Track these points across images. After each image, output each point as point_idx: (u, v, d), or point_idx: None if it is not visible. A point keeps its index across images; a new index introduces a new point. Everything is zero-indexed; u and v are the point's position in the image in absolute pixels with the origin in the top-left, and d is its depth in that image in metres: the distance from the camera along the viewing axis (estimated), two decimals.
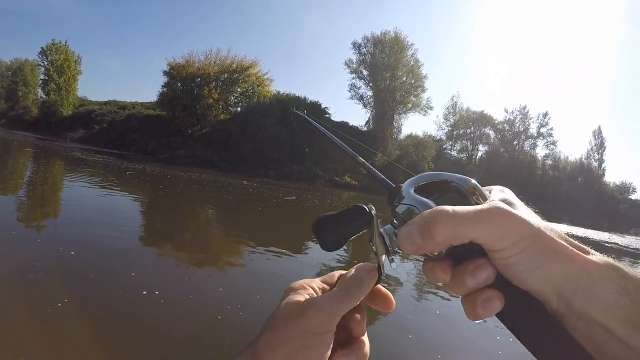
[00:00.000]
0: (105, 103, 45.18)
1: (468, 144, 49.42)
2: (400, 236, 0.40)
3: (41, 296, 3.77)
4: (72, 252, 5.08)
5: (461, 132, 48.95)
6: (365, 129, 40.73)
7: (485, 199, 0.42)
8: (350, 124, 40.54)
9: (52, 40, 45.82)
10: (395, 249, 0.43)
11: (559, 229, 0.40)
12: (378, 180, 0.54)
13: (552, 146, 47.41)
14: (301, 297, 0.47)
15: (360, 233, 0.44)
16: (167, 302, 4.06)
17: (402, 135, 42.74)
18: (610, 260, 0.37)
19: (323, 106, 37.49)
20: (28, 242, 5.42)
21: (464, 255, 0.39)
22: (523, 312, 0.37)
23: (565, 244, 0.37)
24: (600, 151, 46.98)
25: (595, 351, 0.36)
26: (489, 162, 46.91)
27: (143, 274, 4.85)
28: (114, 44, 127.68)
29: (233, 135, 31.73)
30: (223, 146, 31.60)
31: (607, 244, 22.13)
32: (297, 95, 37.63)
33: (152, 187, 14.18)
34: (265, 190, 18.37)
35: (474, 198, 0.42)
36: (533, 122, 47.17)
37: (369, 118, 42.62)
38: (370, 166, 0.60)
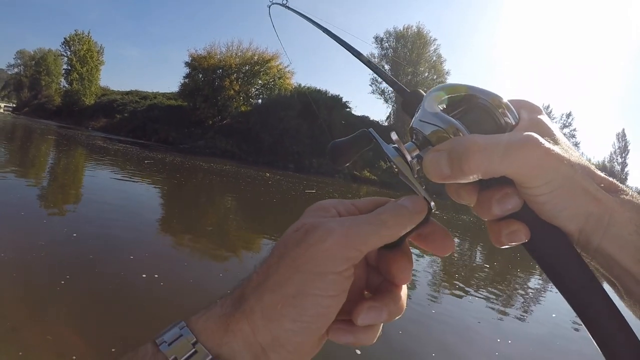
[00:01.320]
0: (127, 93, 45.30)
1: None
2: (426, 162, 0.36)
3: (43, 274, 3.84)
4: (75, 234, 4.98)
5: None
6: (386, 123, 39.87)
7: (515, 118, 0.39)
8: (371, 119, 39.74)
9: (75, 30, 46.25)
10: (417, 170, 0.40)
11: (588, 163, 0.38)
12: (389, 83, 0.50)
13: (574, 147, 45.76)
14: (314, 220, 0.37)
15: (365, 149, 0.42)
16: (166, 285, 4.12)
17: None
18: (635, 200, 0.36)
19: (344, 100, 36.69)
20: (34, 223, 5.32)
21: (491, 181, 0.36)
22: (546, 243, 0.37)
23: (595, 185, 0.36)
24: (623, 155, 44.60)
25: (612, 283, 0.37)
26: None
27: (143, 257, 4.74)
28: (133, 35, 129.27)
29: (254, 127, 31.22)
30: (243, 138, 31.15)
31: None
32: (318, 88, 36.96)
33: (169, 176, 13.76)
34: (286, 183, 17.84)
35: (502, 116, 0.38)
36: (556, 122, 45.35)
37: (389, 113, 41.78)
38: (377, 65, 0.56)
